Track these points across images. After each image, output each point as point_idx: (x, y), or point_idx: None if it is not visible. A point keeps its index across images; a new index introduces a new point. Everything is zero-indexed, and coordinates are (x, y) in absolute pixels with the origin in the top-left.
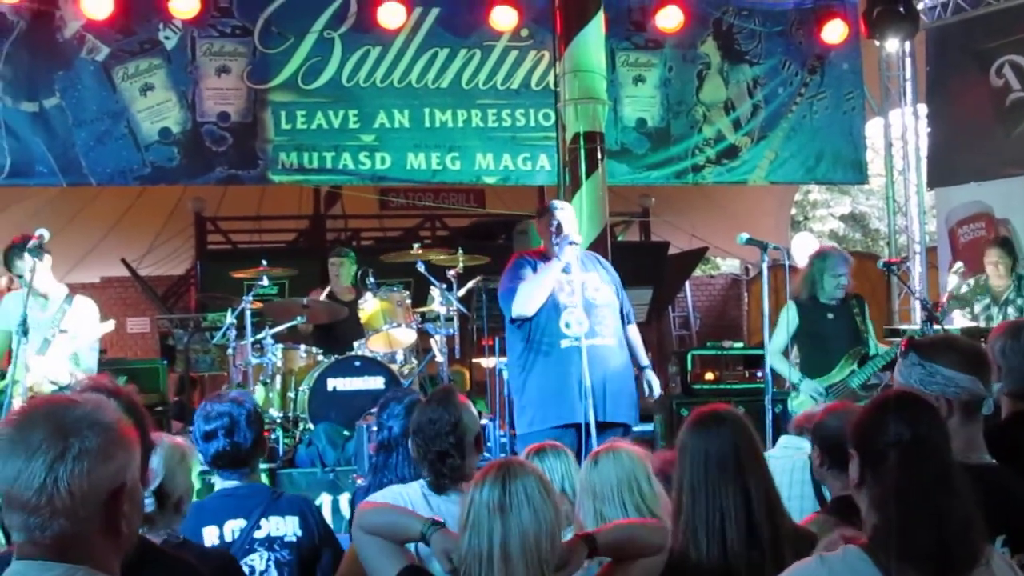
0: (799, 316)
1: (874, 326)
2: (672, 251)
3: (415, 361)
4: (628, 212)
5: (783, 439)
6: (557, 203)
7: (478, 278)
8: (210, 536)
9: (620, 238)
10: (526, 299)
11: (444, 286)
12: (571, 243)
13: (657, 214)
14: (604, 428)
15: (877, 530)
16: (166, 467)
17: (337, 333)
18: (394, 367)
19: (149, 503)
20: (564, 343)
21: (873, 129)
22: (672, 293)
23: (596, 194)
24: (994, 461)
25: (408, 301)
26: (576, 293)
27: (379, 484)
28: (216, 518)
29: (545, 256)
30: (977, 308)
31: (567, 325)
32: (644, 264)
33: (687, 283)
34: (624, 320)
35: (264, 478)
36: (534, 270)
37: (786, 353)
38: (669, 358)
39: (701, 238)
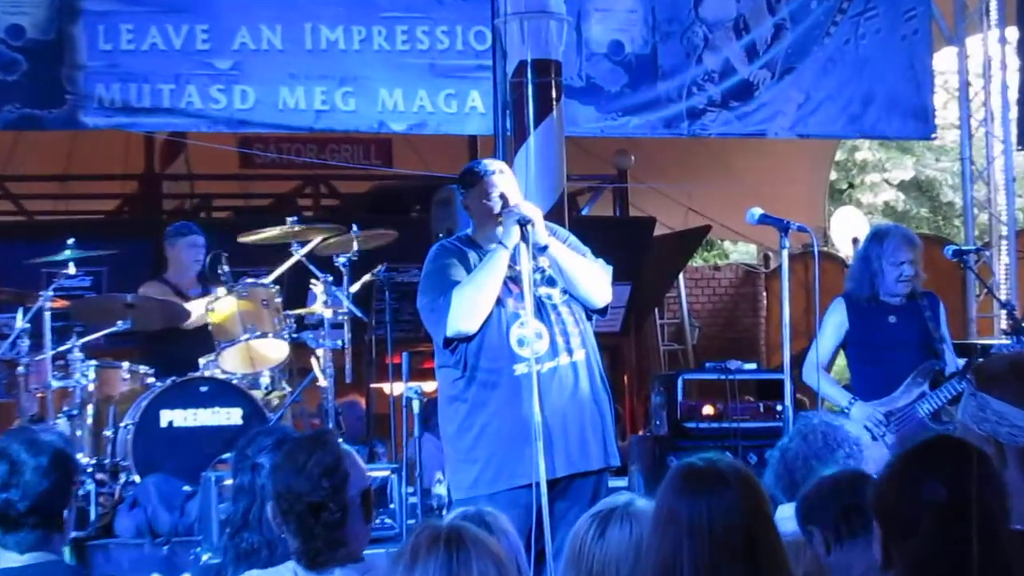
0: (850, 318)
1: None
2: (660, 231)
3: (287, 387)
4: (597, 175)
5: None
6: (492, 163)
7: (380, 267)
8: None
9: (585, 212)
10: (467, 309)
11: (331, 278)
12: (521, 220)
13: (638, 179)
14: (571, 481)
15: None
16: None
17: (176, 345)
18: (257, 394)
19: None
20: (518, 369)
21: (944, 63)
22: (659, 291)
23: (550, 149)
24: None
25: (279, 300)
26: (527, 293)
27: (237, 556)
28: None
29: (475, 243)
30: None
31: (520, 343)
32: (619, 250)
33: (681, 277)
34: (582, 306)
35: (67, 554)
36: (467, 265)
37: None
38: (652, 384)
39: (701, 213)
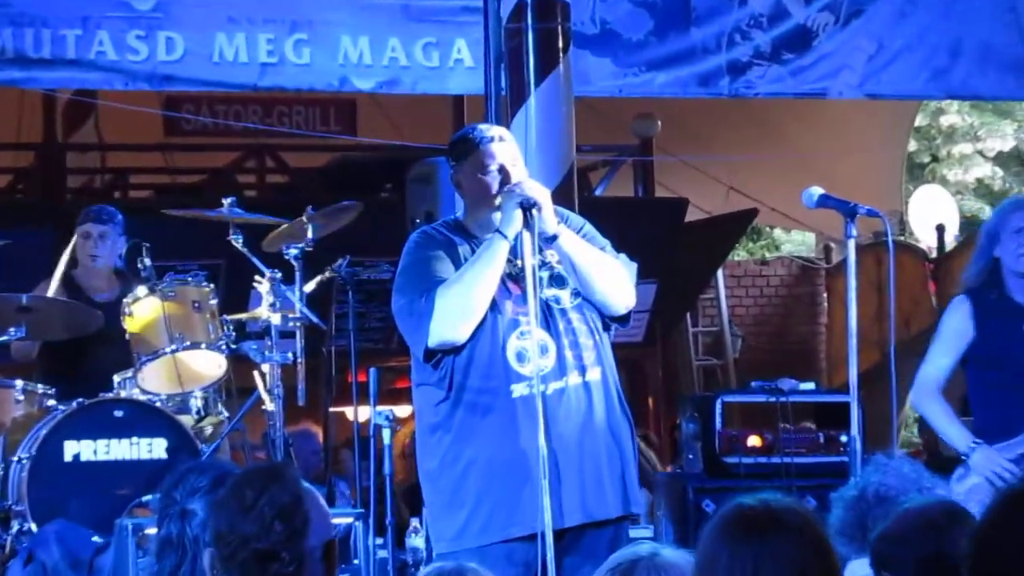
0: (976, 323)
1: None
2: (693, 216)
3: (225, 411)
4: (614, 146)
5: None
6: (490, 129)
7: (341, 260)
8: None
9: (599, 192)
10: (455, 314)
11: (279, 275)
12: (525, 202)
13: (666, 150)
14: (582, 532)
15: None
16: None
17: (84, 358)
18: (187, 420)
19: None
20: (517, 390)
21: None
22: (692, 292)
23: (556, 113)
24: None
25: (214, 301)
26: (531, 295)
27: None
28: None
29: (466, 231)
30: None
31: (520, 358)
32: (642, 240)
33: (719, 274)
34: (598, 312)
35: None
36: (456, 259)
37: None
38: (683, 408)
39: (746, 193)
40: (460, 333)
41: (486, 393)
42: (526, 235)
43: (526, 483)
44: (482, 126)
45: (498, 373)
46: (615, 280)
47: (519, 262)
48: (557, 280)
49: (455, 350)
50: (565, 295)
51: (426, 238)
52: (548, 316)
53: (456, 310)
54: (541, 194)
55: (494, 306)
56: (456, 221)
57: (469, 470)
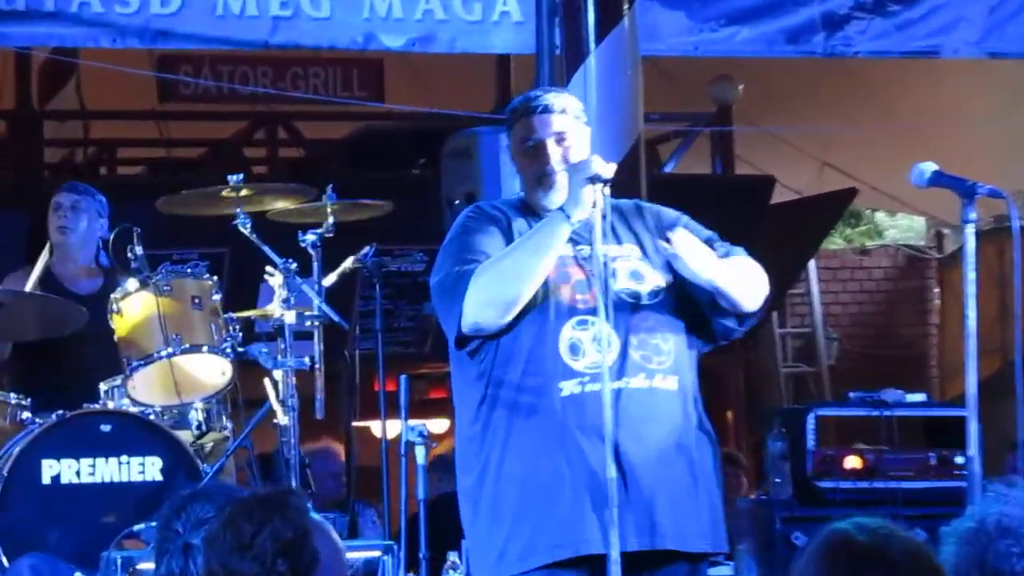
0: None
1: None
2: (780, 197)
3: (229, 425)
4: (687, 115)
5: None
6: (541, 97)
7: (367, 249)
8: None
9: (668, 169)
10: (493, 292)
11: (294, 266)
12: (592, 179)
13: (749, 120)
14: (650, 565)
15: None
16: None
17: (64, 363)
18: (185, 436)
19: None
20: (567, 388)
21: None
22: (779, 287)
23: (619, 76)
24: None
25: (217, 297)
26: (595, 283)
27: None
28: None
29: (530, 210)
30: None
31: (574, 350)
32: (720, 225)
33: (811, 266)
34: (683, 318)
35: None
36: (508, 234)
37: None
38: (769, 423)
39: (843, 170)
40: (498, 318)
41: (530, 391)
42: (596, 216)
43: (576, 499)
44: (537, 92)
45: (545, 367)
46: (746, 283)
47: (585, 249)
48: (634, 275)
49: (495, 337)
50: (643, 289)
51: (478, 212)
52: (617, 308)
53: (495, 291)
54: (605, 167)
55: (548, 289)
56: (520, 200)
57: (508, 483)
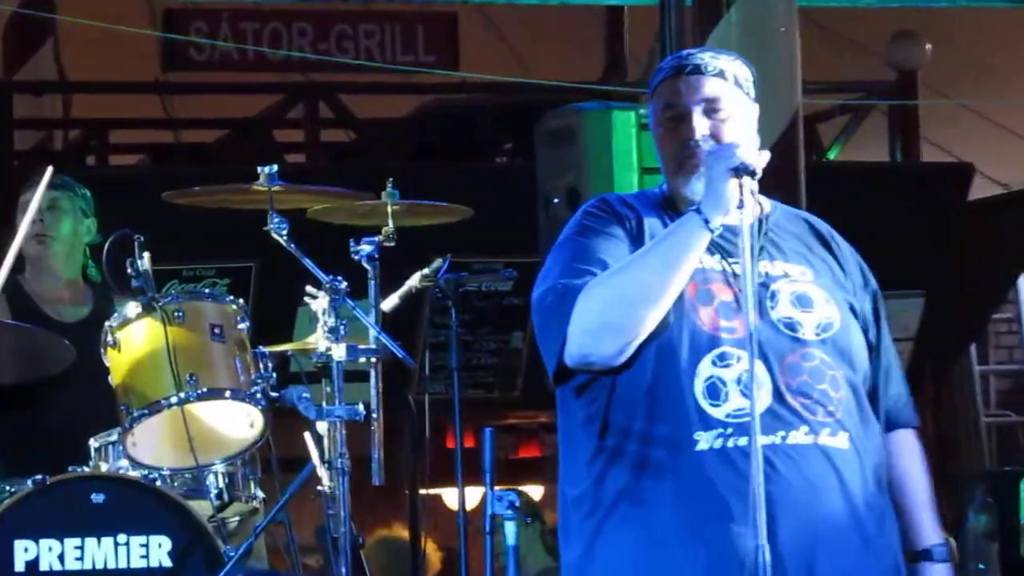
0: None
1: None
2: (981, 191)
3: (260, 494)
4: (858, 84)
5: None
6: (684, 57)
7: (439, 262)
8: None
9: (833, 155)
10: (611, 315)
11: (343, 284)
12: (737, 169)
13: (938, 90)
14: None
15: None
16: None
17: (42, 412)
18: (202, 507)
19: None
20: (704, 441)
21: None
22: (979, 311)
23: (769, 32)
24: None
25: (243, 326)
26: (746, 307)
27: None
28: None
29: (672, 206)
30: None
31: (712, 392)
32: (902, 227)
33: (1021, 282)
34: (878, 400)
35: None
36: (638, 237)
37: None
38: (968, 489)
39: None
40: (611, 349)
41: (660, 443)
42: (744, 219)
43: None
44: (693, 50)
45: (677, 413)
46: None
47: (734, 262)
48: (800, 300)
49: (610, 373)
50: (808, 321)
51: (601, 206)
52: (771, 341)
53: (609, 313)
54: (756, 156)
55: (683, 312)
56: (661, 192)
57: (628, 562)
